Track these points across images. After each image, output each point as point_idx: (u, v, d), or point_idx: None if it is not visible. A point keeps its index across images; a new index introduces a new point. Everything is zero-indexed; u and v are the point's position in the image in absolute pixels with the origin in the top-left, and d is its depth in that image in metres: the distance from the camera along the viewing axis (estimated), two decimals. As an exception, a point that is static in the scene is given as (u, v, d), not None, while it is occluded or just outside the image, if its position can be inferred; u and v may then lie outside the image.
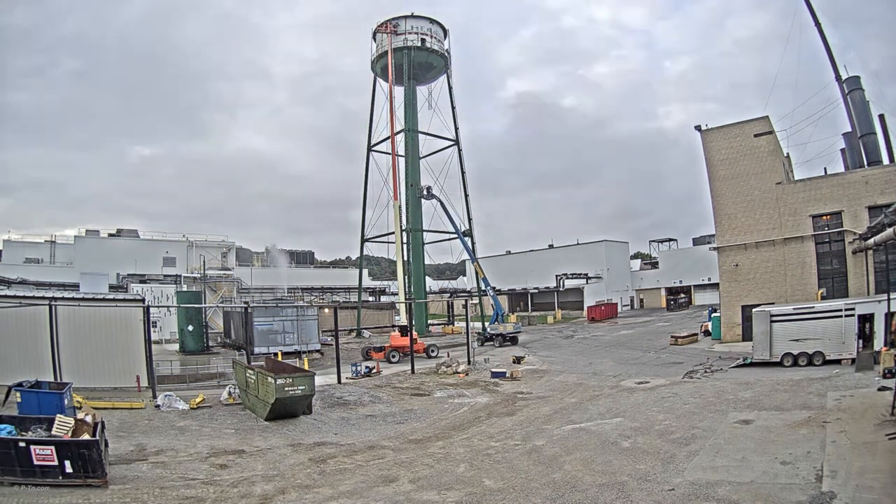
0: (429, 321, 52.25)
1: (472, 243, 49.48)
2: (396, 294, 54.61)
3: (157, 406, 18.08)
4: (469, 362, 27.98)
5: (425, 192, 41.96)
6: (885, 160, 32.04)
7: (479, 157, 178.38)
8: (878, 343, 20.08)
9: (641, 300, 79.07)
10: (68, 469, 9.74)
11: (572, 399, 19.33)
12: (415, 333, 37.24)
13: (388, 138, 48.07)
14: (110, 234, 57.36)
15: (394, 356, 32.08)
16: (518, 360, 28.65)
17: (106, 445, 11.02)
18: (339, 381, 24.24)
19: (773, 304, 26.48)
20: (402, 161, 47.99)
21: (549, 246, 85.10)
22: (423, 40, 47.98)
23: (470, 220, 49.25)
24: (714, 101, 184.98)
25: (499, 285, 76.55)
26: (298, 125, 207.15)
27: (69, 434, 10.62)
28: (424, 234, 49.12)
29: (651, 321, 53.17)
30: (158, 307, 39.64)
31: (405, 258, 46.93)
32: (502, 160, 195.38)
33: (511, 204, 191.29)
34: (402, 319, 38.53)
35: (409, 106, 48.56)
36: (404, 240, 47.21)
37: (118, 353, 20.89)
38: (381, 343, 37.16)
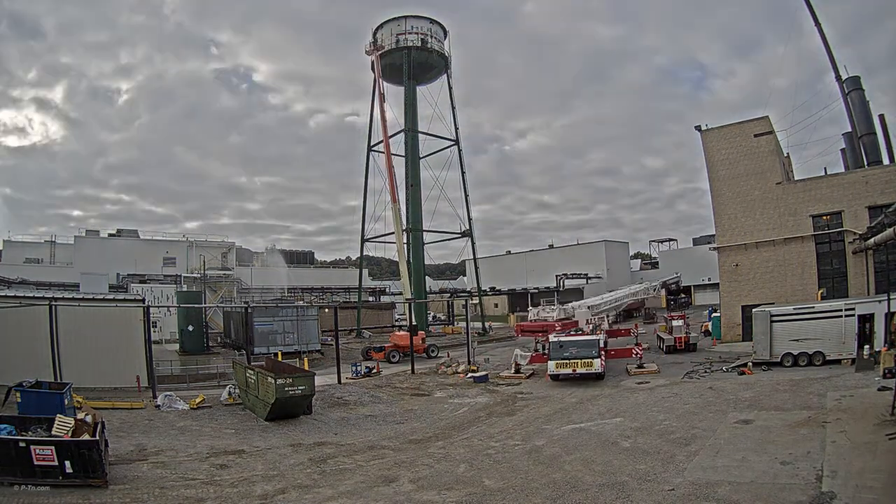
0: (429, 323, 52.21)
1: (473, 243, 49.49)
2: (396, 294, 54.61)
3: (157, 406, 18.10)
4: (469, 362, 27.96)
5: None
6: (885, 160, 32.03)
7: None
8: (878, 343, 20.06)
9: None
10: (68, 469, 9.72)
11: (572, 399, 19.32)
12: (422, 332, 37.26)
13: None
14: (110, 234, 57.42)
15: (394, 356, 32.05)
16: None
17: (106, 445, 11.01)
18: (340, 381, 24.26)
19: (773, 304, 26.45)
20: (402, 161, 48.01)
21: (550, 246, 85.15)
22: (423, 40, 47.87)
23: (470, 219, 49.28)
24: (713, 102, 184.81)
25: (499, 285, 76.70)
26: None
27: (69, 434, 10.60)
28: (424, 234, 49.08)
29: (651, 321, 53.19)
30: (158, 307, 39.61)
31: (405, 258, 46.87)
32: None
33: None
34: (405, 319, 38.47)
35: (408, 106, 48.47)
36: (404, 240, 47.19)
37: (118, 353, 20.90)
38: (381, 343, 37.15)
